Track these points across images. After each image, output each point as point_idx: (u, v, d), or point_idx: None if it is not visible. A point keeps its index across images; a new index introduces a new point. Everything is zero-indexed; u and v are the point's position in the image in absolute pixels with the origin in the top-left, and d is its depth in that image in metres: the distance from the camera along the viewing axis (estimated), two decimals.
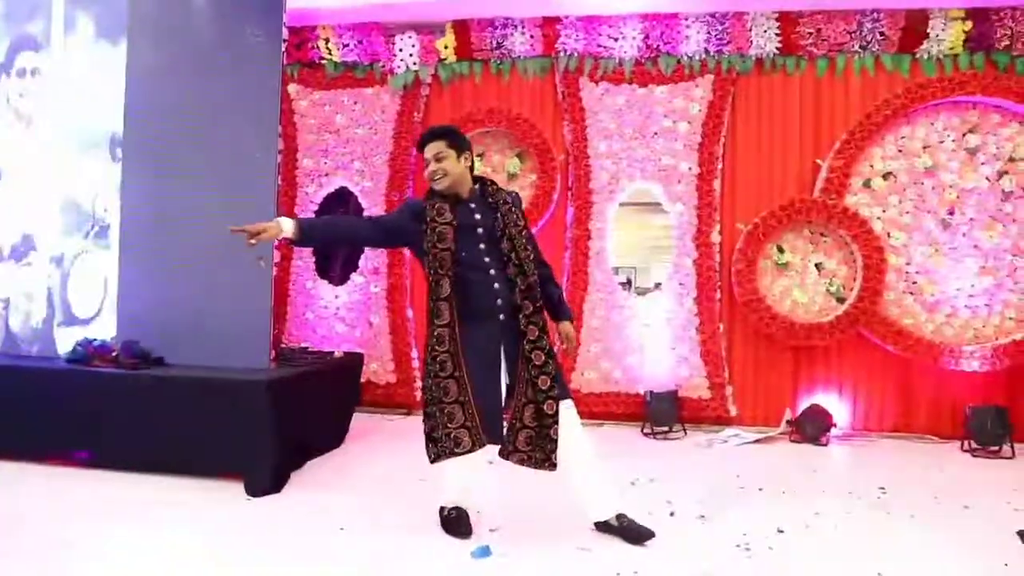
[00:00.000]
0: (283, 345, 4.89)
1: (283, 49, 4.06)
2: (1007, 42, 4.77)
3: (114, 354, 3.84)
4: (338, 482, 3.66)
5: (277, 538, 2.89)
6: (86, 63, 4.28)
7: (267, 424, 3.47)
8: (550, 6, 5.04)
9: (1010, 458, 4.33)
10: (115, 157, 4.18)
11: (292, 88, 5.54)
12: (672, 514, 3.22)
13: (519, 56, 5.27)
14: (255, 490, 3.39)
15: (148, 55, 4.07)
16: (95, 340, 4.00)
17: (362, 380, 4.99)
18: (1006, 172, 4.80)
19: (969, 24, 4.78)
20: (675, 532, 3.00)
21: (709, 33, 5.02)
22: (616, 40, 5.11)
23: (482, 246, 2.80)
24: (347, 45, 5.43)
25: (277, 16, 3.97)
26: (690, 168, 5.04)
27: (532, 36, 5.20)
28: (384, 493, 3.48)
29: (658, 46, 5.08)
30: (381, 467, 3.95)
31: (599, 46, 5.14)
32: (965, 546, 2.89)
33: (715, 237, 5.03)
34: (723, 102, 5.03)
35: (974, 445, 4.47)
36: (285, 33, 4.08)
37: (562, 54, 5.20)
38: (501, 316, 2.78)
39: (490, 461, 4.12)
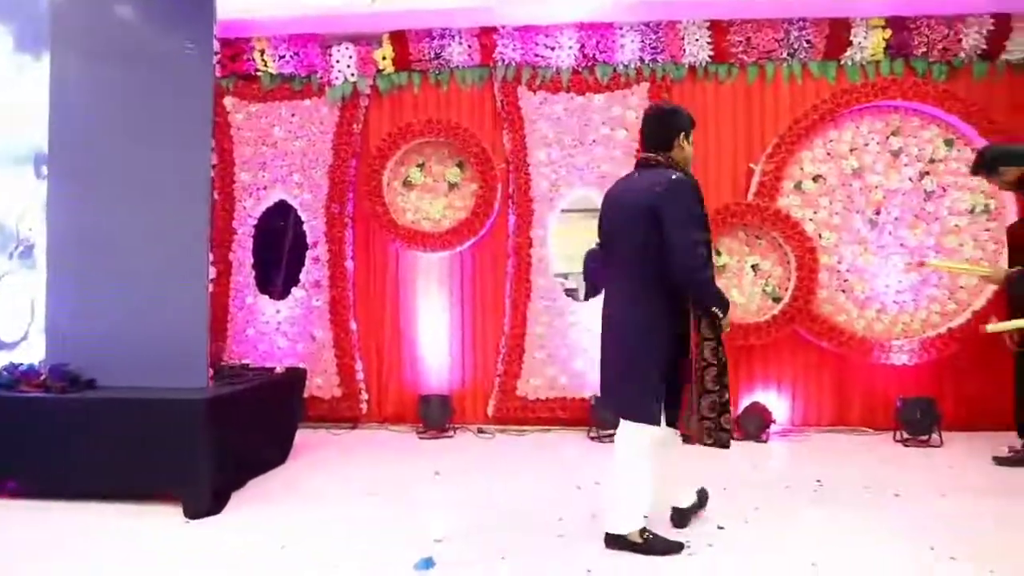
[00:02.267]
0: (222, 363, 4.79)
1: (215, 60, 3.99)
2: (924, 49, 4.98)
3: (42, 378, 3.69)
4: (281, 499, 3.60)
5: (215, 560, 2.84)
6: (5, 77, 4.14)
7: (205, 444, 3.39)
8: (487, 16, 5.07)
9: (938, 446, 4.51)
10: (40, 174, 4.05)
11: (227, 101, 5.45)
12: None
13: (457, 66, 5.29)
14: (194, 512, 3.31)
15: (73, 68, 3.93)
16: (21, 364, 3.85)
17: (306, 395, 4.92)
18: (927, 173, 5.02)
19: (889, 32, 4.98)
20: None
21: (643, 42, 5.11)
22: (553, 49, 5.16)
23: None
24: (283, 57, 5.36)
25: (207, 27, 3.90)
26: None
27: (470, 46, 5.22)
28: (328, 509, 3.44)
29: (594, 55, 5.15)
30: (326, 482, 3.90)
31: (536, 55, 5.19)
32: (895, 533, 3.02)
33: None
34: None
35: (905, 435, 4.64)
36: (217, 45, 4.02)
37: (500, 63, 5.23)
38: None
39: (437, 472, 4.14)
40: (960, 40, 4.93)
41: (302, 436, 4.61)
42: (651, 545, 2.80)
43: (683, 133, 2.88)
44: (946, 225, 4.99)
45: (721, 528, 3.08)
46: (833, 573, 2.64)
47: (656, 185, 2.72)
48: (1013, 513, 3.25)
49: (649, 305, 2.74)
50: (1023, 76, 5.01)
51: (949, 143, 5.01)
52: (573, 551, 2.86)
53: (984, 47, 4.93)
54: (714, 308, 2.69)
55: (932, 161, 5.02)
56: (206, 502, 3.35)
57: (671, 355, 2.75)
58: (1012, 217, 4.87)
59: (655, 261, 2.70)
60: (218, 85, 5.31)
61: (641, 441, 2.79)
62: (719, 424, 2.73)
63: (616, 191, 2.98)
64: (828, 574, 2.63)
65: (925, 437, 4.59)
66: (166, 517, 3.31)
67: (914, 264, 4.94)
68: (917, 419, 4.60)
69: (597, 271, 3.23)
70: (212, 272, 3.97)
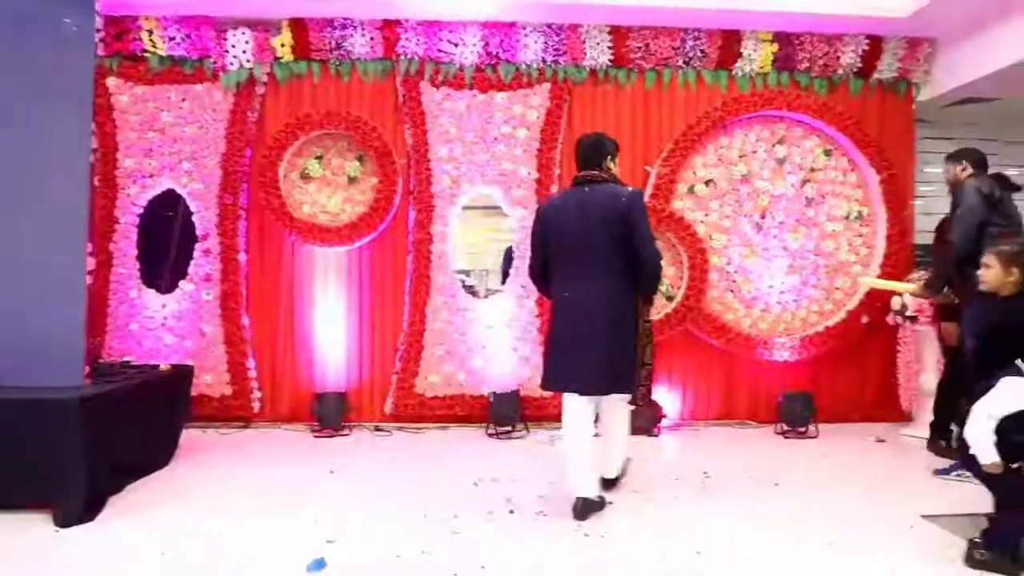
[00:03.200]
0: (101, 360, 4.51)
1: (97, 38, 3.73)
2: (807, 64, 5.30)
3: None
4: (162, 504, 3.41)
5: (89, 571, 2.66)
6: None
7: (78, 446, 3.17)
8: (390, 8, 4.99)
9: (814, 437, 4.81)
10: None
11: (110, 81, 5.12)
12: (511, 512, 3.30)
13: (359, 57, 5.18)
14: (65, 520, 3.09)
15: None
16: None
17: (194, 393, 4.70)
18: (808, 180, 5.34)
19: (776, 46, 5.25)
20: (515, 530, 3.08)
21: (546, 43, 5.17)
22: (456, 46, 5.14)
23: None
24: (173, 38, 5.09)
25: (89, 1, 3.64)
26: (529, 173, 5.17)
27: (372, 38, 5.13)
28: (214, 512, 3.30)
29: (498, 53, 5.17)
30: (212, 484, 3.73)
31: (439, 51, 5.15)
32: (775, 520, 3.20)
33: None
34: (560, 110, 5.21)
35: (785, 428, 4.92)
36: (99, 22, 3.76)
37: (403, 57, 5.16)
38: None
39: (331, 471, 4.05)
40: (838, 57, 5.26)
41: (189, 436, 4.41)
42: (624, 472, 3.72)
43: (611, 156, 3.40)
44: (824, 230, 5.33)
45: (615, 522, 3.16)
46: (716, 560, 2.76)
47: (620, 195, 3.20)
48: (881, 500, 3.50)
49: (628, 296, 3.21)
50: (892, 93, 5.42)
51: (828, 153, 5.34)
52: (468, 548, 2.86)
53: (859, 65, 5.29)
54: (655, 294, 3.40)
55: (813, 169, 5.34)
56: (79, 509, 3.13)
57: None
58: (882, 224, 5.26)
59: (627, 258, 3.15)
60: (100, 64, 4.98)
61: (628, 407, 3.56)
62: (649, 388, 3.50)
63: (568, 203, 3.30)
64: (712, 561, 2.75)
65: (803, 429, 4.88)
66: (34, 526, 3.07)
67: (853, 281, 5.32)
68: (797, 412, 4.88)
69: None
70: (90, 263, 3.71)
